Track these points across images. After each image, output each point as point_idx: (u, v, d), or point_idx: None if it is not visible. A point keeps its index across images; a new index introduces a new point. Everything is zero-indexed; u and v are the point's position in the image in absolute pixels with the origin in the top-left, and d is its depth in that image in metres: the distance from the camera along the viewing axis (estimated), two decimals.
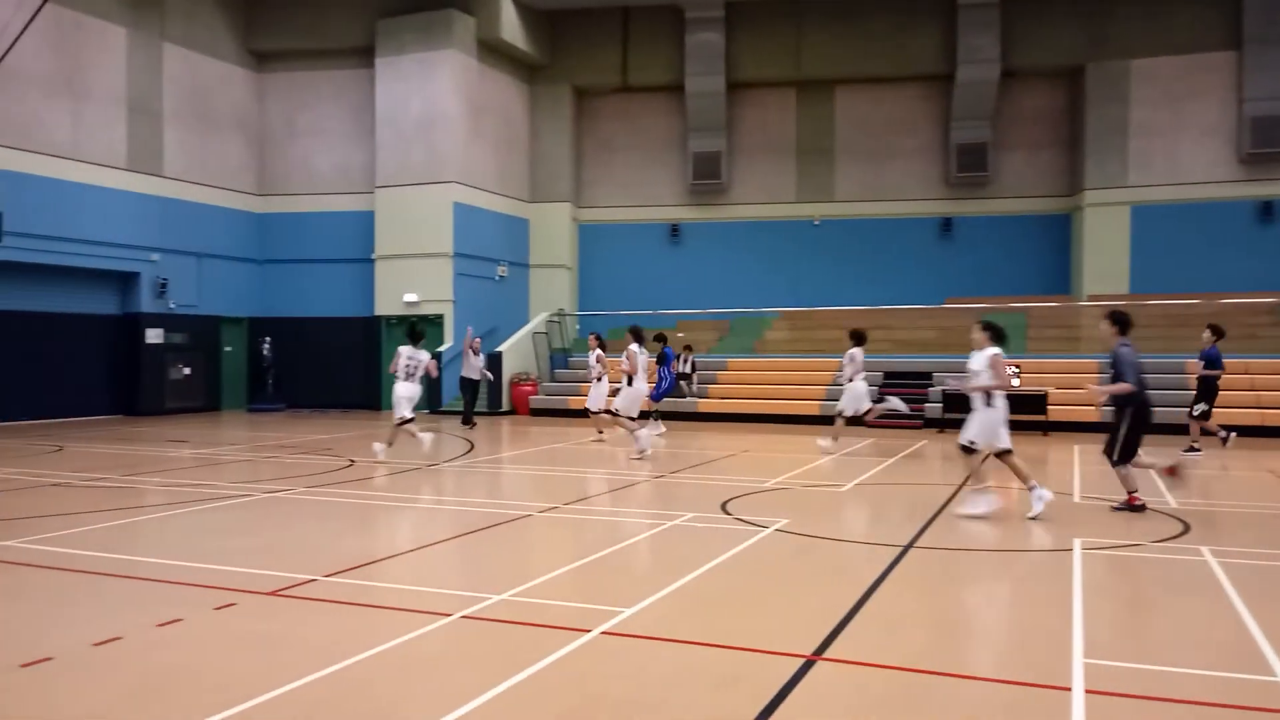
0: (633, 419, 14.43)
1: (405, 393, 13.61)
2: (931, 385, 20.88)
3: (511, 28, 25.07)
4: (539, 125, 27.39)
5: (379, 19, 24.38)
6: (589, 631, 5.28)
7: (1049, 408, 18.92)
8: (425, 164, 24.05)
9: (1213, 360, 15.32)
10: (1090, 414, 19.13)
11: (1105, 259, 24.34)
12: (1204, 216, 23.76)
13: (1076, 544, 7.77)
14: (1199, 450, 15.22)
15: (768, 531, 8.36)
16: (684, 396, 21.96)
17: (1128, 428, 9.51)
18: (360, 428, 19.66)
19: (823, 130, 26.82)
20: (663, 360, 19.43)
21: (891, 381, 21.60)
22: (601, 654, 5.00)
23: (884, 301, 25.07)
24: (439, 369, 14.98)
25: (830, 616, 5.62)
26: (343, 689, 4.47)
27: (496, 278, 25.80)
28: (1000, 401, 9.29)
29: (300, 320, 25.21)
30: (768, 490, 10.99)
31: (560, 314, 26.75)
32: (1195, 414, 15.48)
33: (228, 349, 25.01)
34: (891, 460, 14.29)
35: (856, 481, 11.82)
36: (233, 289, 24.90)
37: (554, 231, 27.50)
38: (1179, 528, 8.58)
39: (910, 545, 7.79)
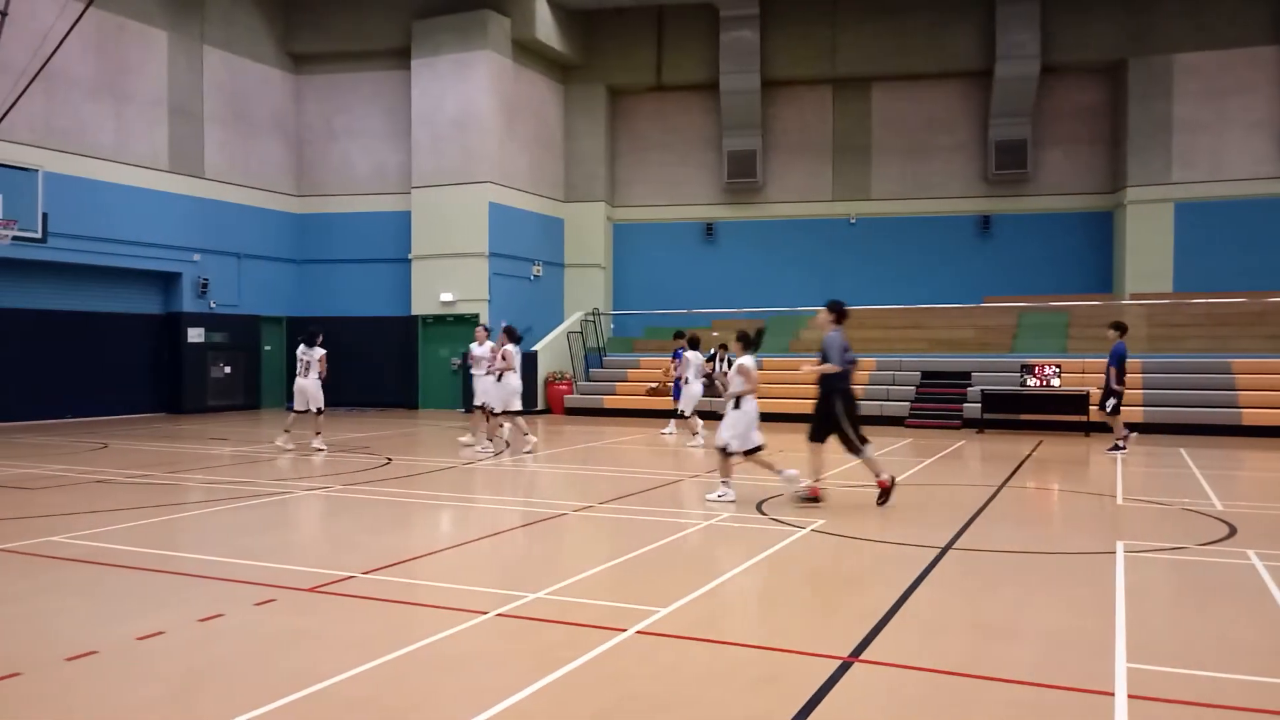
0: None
1: (305, 386, 15.22)
2: (970, 385, 20.65)
3: (546, 28, 25.14)
4: (573, 125, 27.45)
5: (415, 20, 24.55)
6: (624, 631, 5.28)
7: (1090, 408, 18.62)
8: (461, 164, 24.19)
9: (1119, 357, 15.26)
10: (1134, 414, 18.82)
11: (1148, 257, 23.93)
12: (1249, 214, 23.28)
13: (1119, 546, 7.64)
14: (1124, 447, 15.12)
15: (804, 532, 8.31)
16: (718, 396, 21.88)
17: (844, 415, 9.76)
18: (397, 426, 19.81)
19: (859, 128, 26.62)
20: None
21: (929, 381, 21.40)
22: (636, 653, 5.00)
23: (921, 300, 24.84)
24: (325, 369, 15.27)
25: (867, 618, 5.57)
26: (379, 686, 4.50)
27: (532, 277, 25.89)
28: (750, 404, 10.14)
29: (338, 320, 25.45)
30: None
31: (595, 313, 26.79)
32: (1108, 410, 15.41)
33: (267, 348, 25.32)
34: (929, 460, 14.15)
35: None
36: (272, 289, 25.21)
37: (588, 231, 27.55)
38: (1225, 530, 8.41)
39: (949, 547, 7.70)
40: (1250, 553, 7.40)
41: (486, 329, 16.69)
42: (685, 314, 25.76)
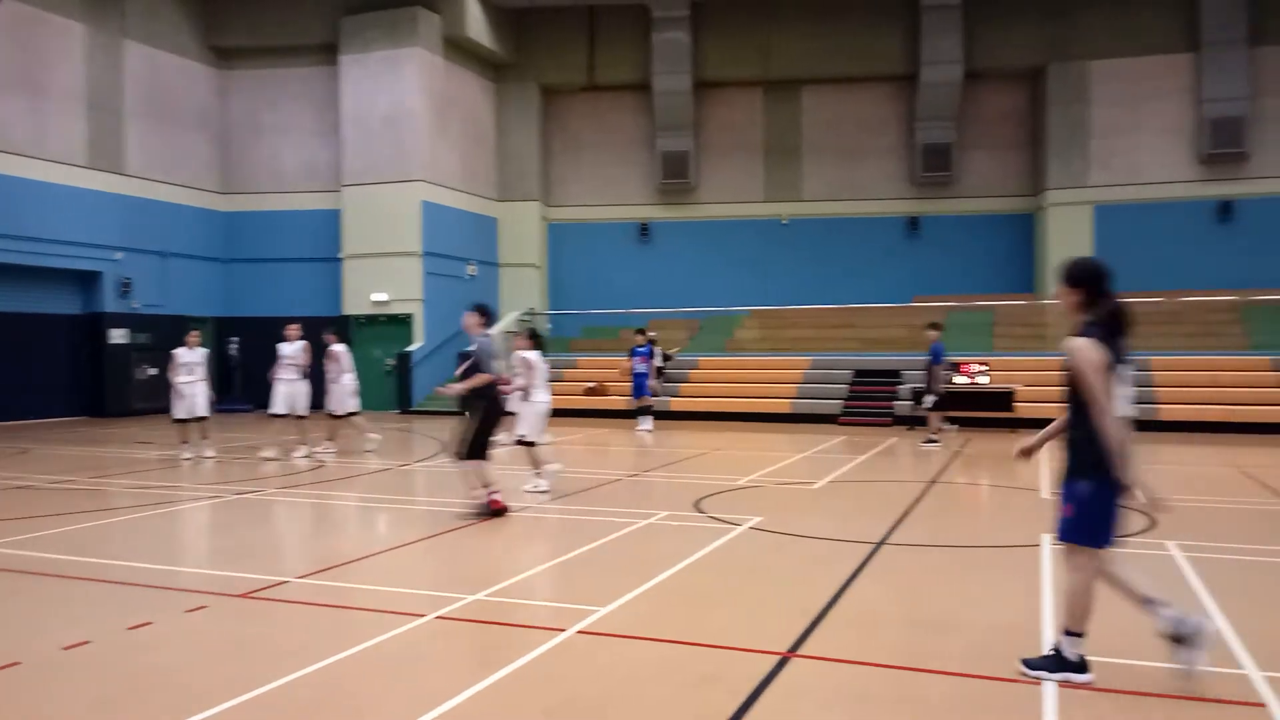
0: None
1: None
2: (901, 383, 21.06)
3: (477, 26, 24.98)
4: (506, 123, 27.30)
5: (343, 16, 24.17)
6: (564, 631, 5.28)
7: (1016, 404, 19.13)
8: (392, 162, 23.89)
9: (937, 355, 16.04)
10: (1059, 410, 19.37)
11: (1068, 257, 24.61)
12: (1165, 215, 24.15)
13: (1045, 539, 7.87)
14: (938, 441, 15.85)
15: (741, 529, 8.40)
16: (655, 395, 21.98)
17: (482, 422, 9.09)
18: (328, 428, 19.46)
19: (790, 130, 26.98)
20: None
21: (862, 379, 21.75)
22: (577, 653, 5.01)
23: (853, 300, 25.26)
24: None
25: (805, 613, 5.66)
26: (316, 691, 4.44)
27: (466, 277, 25.69)
28: (539, 396, 10.51)
29: (268, 320, 24.90)
30: (740, 488, 11.04)
31: (531, 313, 26.70)
32: (927, 406, 16.20)
33: None
34: (863, 457, 14.40)
35: (828, 479, 11.90)
36: (199, 288, 24.59)
37: (523, 230, 27.44)
38: (1146, 523, 8.72)
39: (883, 542, 7.85)
40: (1170, 544, 7.68)
41: (299, 325, 15.08)
42: (621, 314, 25.81)
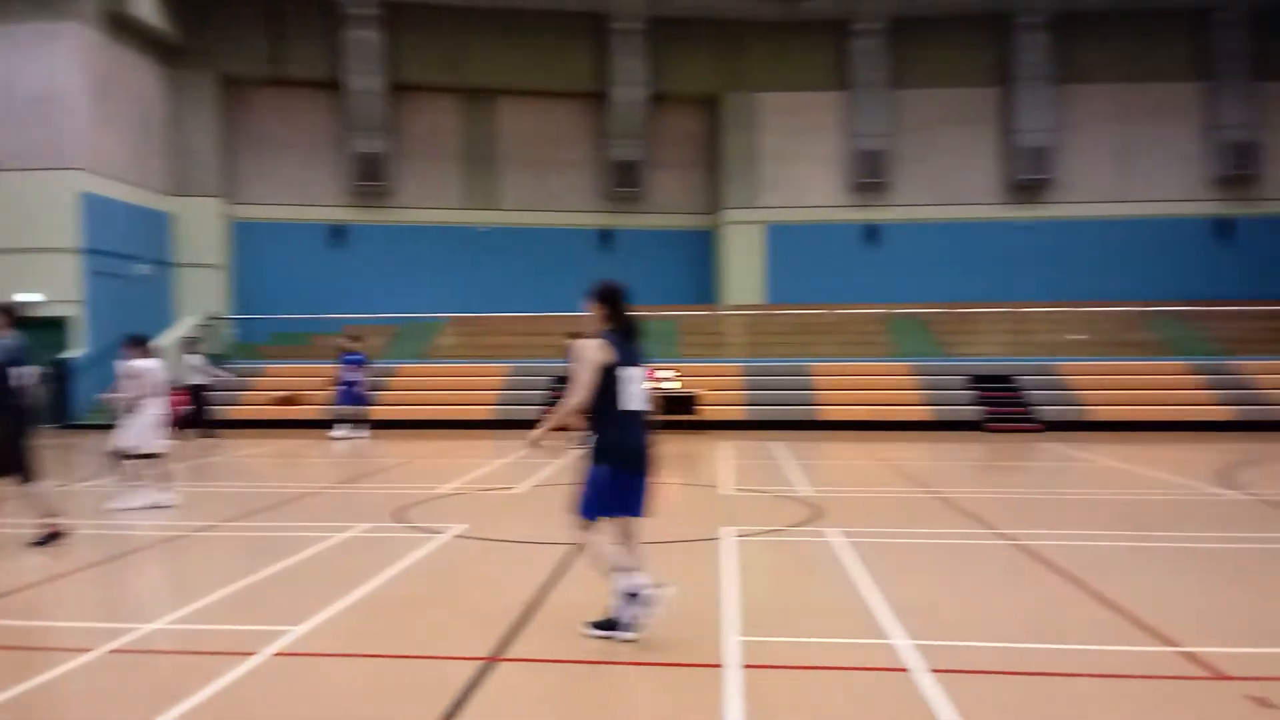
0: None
1: None
2: None
3: (145, 4, 22.95)
4: (181, 113, 25.26)
5: None
6: (255, 654, 5.06)
7: (698, 408, 20.47)
8: (44, 147, 21.31)
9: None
10: (736, 413, 20.96)
11: (744, 272, 26.80)
12: (824, 236, 26.86)
13: (724, 532, 8.55)
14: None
15: (445, 537, 8.39)
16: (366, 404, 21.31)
17: (21, 438, 8.09)
18: None
19: (488, 139, 27.20)
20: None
21: (560, 385, 22.26)
22: (272, 676, 4.82)
23: (549, 309, 25.81)
24: None
25: (509, 617, 5.79)
26: None
27: (135, 277, 23.43)
28: (150, 407, 10.28)
29: None
30: (443, 496, 11.00)
31: (212, 318, 24.85)
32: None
33: None
34: (565, 461, 14.79)
35: (531, 484, 12.13)
36: None
37: (202, 228, 25.50)
38: (812, 512, 9.70)
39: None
40: (828, 530, 8.61)
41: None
42: (314, 319, 24.70)
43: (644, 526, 5.67)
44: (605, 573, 5.43)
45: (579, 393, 5.28)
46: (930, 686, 4.53)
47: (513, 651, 5.18)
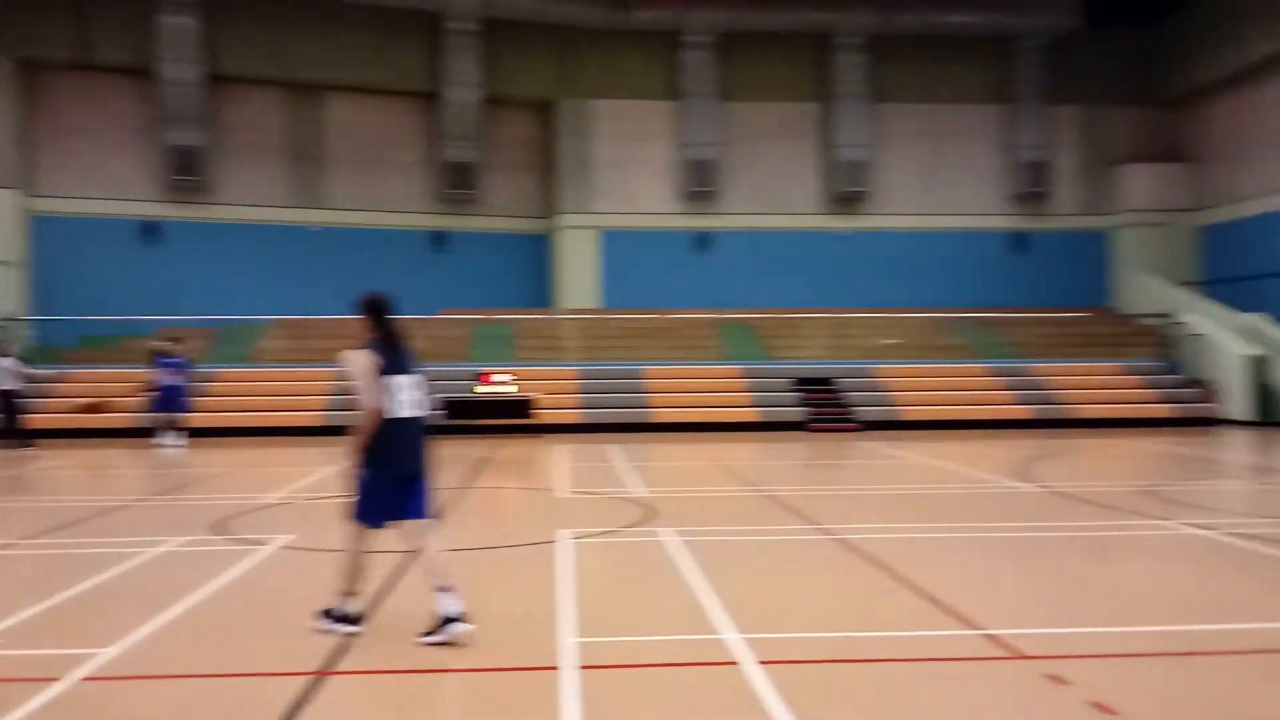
0: None
1: None
2: (430, 394, 21.41)
3: None
4: None
5: None
6: (60, 680, 4.73)
7: (534, 411, 20.46)
8: None
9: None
10: (572, 416, 21.06)
11: (579, 276, 26.98)
12: (657, 242, 27.37)
13: (561, 535, 8.60)
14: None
15: (270, 549, 8.08)
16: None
17: None
18: None
19: (316, 136, 26.31)
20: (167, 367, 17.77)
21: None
22: (81, 703, 4.53)
23: None
24: None
25: (337, 629, 5.63)
26: None
27: None
28: None
29: None
30: (268, 506, 10.56)
31: (5, 319, 22.91)
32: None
33: None
34: None
35: None
36: None
37: None
38: (646, 513, 9.88)
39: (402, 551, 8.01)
40: (661, 531, 8.80)
41: None
42: (125, 321, 23.15)
43: (440, 530, 5.72)
44: (352, 575, 5.58)
45: (369, 401, 5.41)
46: (759, 677, 4.72)
47: (344, 664, 5.05)
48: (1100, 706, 4.25)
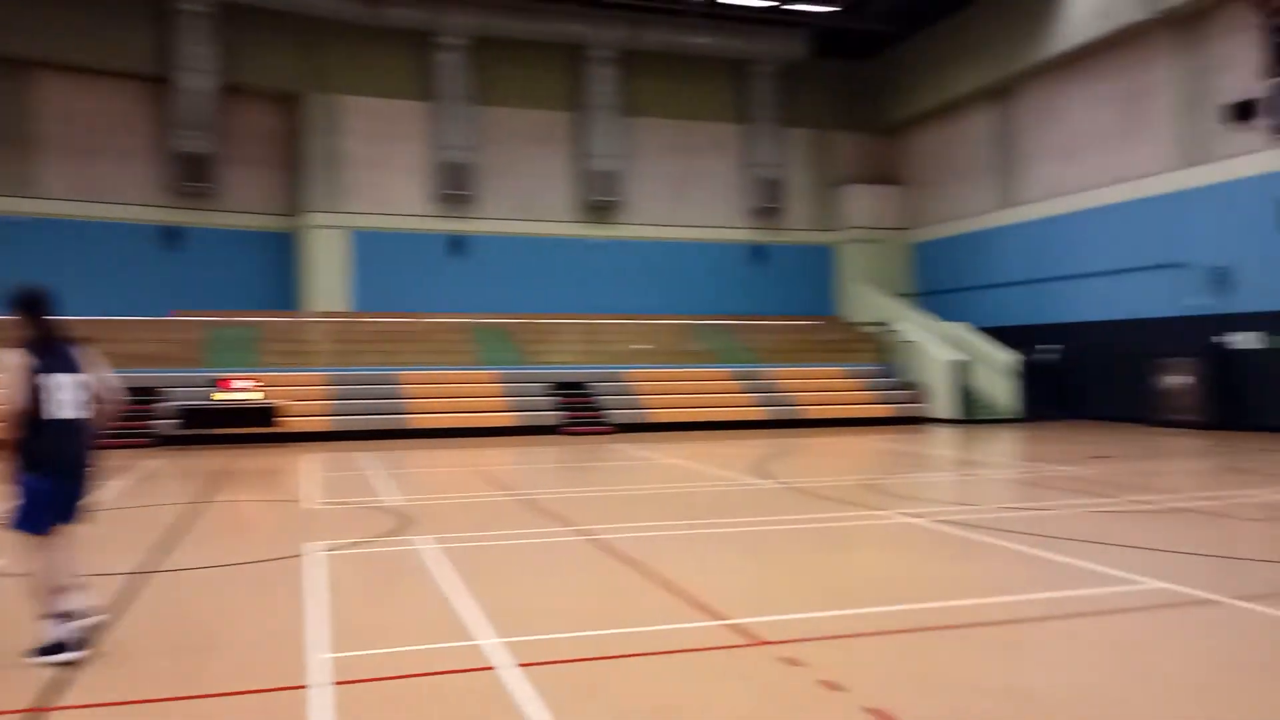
0: None
1: None
2: (160, 400, 19.89)
3: None
4: None
5: None
6: None
7: (279, 419, 19.48)
8: None
9: None
10: (321, 424, 20.23)
11: (329, 278, 25.95)
12: (411, 245, 26.83)
13: (308, 548, 8.29)
14: None
15: None
16: None
17: None
18: None
19: (20, 115, 23.72)
20: None
21: (135, 397, 19.99)
22: None
23: (104, 312, 23.00)
24: None
25: (56, 661, 5.17)
26: None
27: None
28: None
29: None
30: None
31: None
32: None
33: None
34: (125, 482, 13.32)
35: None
36: None
37: None
38: (400, 521, 9.71)
39: (150, 570, 7.48)
40: (424, 538, 8.69)
41: None
42: None
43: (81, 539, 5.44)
44: (46, 592, 5.17)
45: (19, 402, 5.13)
46: (517, 680, 4.81)
47: (67, 698, 4.66)
48: (829, 685, 4.68)
